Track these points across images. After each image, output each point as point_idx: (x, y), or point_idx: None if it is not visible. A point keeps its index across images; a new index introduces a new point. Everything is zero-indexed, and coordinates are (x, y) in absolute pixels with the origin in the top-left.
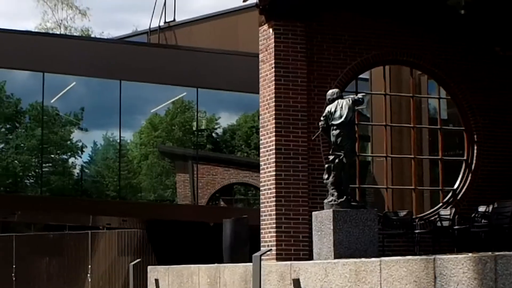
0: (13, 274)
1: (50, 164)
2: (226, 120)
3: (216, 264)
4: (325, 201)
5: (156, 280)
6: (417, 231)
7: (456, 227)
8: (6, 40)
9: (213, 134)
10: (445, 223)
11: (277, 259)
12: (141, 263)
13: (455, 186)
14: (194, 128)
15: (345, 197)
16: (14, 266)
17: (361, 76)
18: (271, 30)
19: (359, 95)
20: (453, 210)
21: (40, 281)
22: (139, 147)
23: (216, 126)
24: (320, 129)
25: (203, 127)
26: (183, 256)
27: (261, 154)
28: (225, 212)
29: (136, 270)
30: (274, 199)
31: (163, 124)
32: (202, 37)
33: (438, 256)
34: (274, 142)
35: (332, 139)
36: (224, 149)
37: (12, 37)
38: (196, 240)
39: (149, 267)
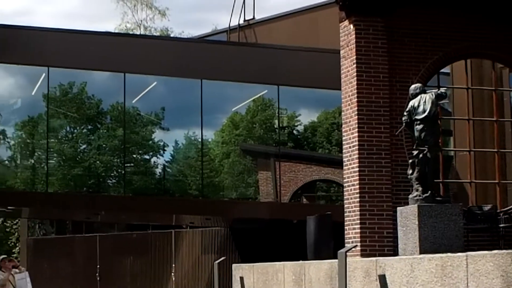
0: (97, 274)
1: (132, 164)
2: (306, 117)
3: (301, 261)
4: (410, 196)
5: (241, 278)
6: (501, 225)
7: None
8: (87, 42)
9: (294, 131)
10: None
11: (362, 255)
12: (225, 261)
13: None
14: (275, 126)
15: (429, 192)
16: (98, 266)
17: (442, 70)
18: (351, 26)
19: (442, 89)
20: None
21: (124, 281)
22: (220, 146)
23: (296, 123)
24: (404, 124)
25: (284, 125)
26: (266, 253)
27: (344, 151)
28: (308, 209)
29: (221, 268)
30: (358, 195)
31: (244, 122)
32: (282, 34)
33: None
34: (357, 138)
35: (416, 134)
36: (305, 146)
37: (92, 39)
38: (279, 238)
39: (233, 265)
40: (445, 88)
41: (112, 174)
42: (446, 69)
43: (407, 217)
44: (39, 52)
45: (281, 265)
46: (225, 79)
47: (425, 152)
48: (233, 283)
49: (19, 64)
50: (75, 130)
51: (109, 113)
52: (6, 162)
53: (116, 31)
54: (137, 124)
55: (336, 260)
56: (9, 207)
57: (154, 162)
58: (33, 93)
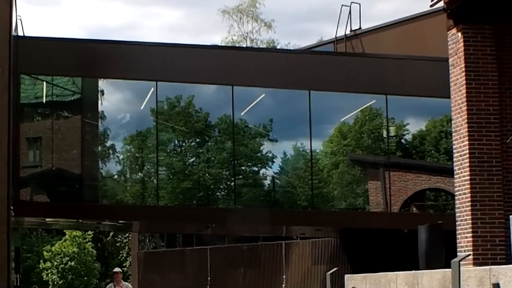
0: (208, 286)
1: (241, 176)
2: (414, 126)
3: (413, 271)
4: None
5: None
6: None
7: None
8: (194, 55)
9: (402, 141)
10: None
11: (474, 264)
12: (336, 272)
13: None
14: (383, 135)
15: None
16: (209, 278)
17: None
18: (459, 34)
19: None
20: None
21: None
22: (329, 156)
23: (404, 133)
24: None
25: (392, 134)
26: (377, 263)
27: (454, 159)
28: (418, 218)
29: (332, 278)
30: (469, 203)
31: (352, 133)
32: (389, 43)
33: None
34: (467, 147)
35: None
36: (413, 155)
37: (199, 52)
38: (389, 247)
39: (346, 276)
40: None
41: (221, 187)
42: None
43: None
44: (147, 67)
45: (394, 275)
46: (332, 89)
47: None
48: None
49: (127, 79)
50: (184, 144)
51: (217, 126)
52: (116, 176)
53: (223, 44)
54: (246, 136)
55: (449, 269)
56: (119, 221)
57: (263, 174)
58: (141, 108)
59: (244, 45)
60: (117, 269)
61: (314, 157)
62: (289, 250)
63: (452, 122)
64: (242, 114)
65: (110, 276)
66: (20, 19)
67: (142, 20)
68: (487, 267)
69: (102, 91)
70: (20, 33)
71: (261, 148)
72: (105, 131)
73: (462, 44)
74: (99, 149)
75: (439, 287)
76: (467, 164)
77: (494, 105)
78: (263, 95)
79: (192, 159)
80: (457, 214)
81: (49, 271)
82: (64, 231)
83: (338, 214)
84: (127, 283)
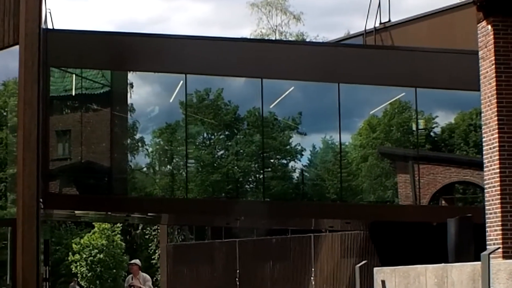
0: (237, 279)
1: (270, 169)
2: (443, 118)
3: (443, 264)
4: None
5: (383, 282)
6: None
7: None
8: (223, 48)
9: (431, 134)
10: None
11: (504, 257)
12: (365, 265)
13: None
14: (412, 128)
15: None
16: (237, 270)
17: None
18: (489, 26)
19: None
20: None
21: (264, 286)
22: (358, 149)
23: (434, 125)
24: None
25: (421, 127)
26: (406, 256)
27: (484, 152)
28: (447, 211)
29: (361, 271)
30: (499, 197)
31: (381, 126)
32: (418, 36)
33: None
34: (497, 140)
35: None
36: (442, 148)
37: (228, 45)
38: (419, 240)
39: (375, 269)
40: None
41: (250, 180)
42: None
43: None
44: (177, 60)
45: (423, 268)
46: (362, 82)
47: None
48: (375, 286)
49: (156, 72)
50: (213, 137)
51: (246, 118)
52: (145, 169)
53: (252, 37)
54: (274, 129)
55: (479, 263)
56: (148, 214)
57: (292, 166)
58: (171, 101)
59: (273, 38)
60: (133, 261)
61: (343, 150)
62: (318, 243)
63: (482, 115)
64: (271, 107)
65: None
66: (50, 12)
67: (170, 14)
68: None
69: (132, 84)
70: (50, 26)
71: (290, 141)
72: (134, 124)
73: (492, 37)
74: (128, 142)
75: (468, 281)
76: (497, 157)
77: None
78: (292, 88)
79: (221, 152)
80: (486, 207)
81: (78, 264)
82: (93, 223)
83: (367, 207)
84: (144, 274)
